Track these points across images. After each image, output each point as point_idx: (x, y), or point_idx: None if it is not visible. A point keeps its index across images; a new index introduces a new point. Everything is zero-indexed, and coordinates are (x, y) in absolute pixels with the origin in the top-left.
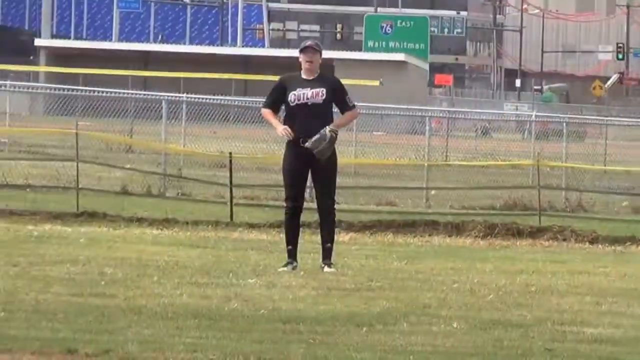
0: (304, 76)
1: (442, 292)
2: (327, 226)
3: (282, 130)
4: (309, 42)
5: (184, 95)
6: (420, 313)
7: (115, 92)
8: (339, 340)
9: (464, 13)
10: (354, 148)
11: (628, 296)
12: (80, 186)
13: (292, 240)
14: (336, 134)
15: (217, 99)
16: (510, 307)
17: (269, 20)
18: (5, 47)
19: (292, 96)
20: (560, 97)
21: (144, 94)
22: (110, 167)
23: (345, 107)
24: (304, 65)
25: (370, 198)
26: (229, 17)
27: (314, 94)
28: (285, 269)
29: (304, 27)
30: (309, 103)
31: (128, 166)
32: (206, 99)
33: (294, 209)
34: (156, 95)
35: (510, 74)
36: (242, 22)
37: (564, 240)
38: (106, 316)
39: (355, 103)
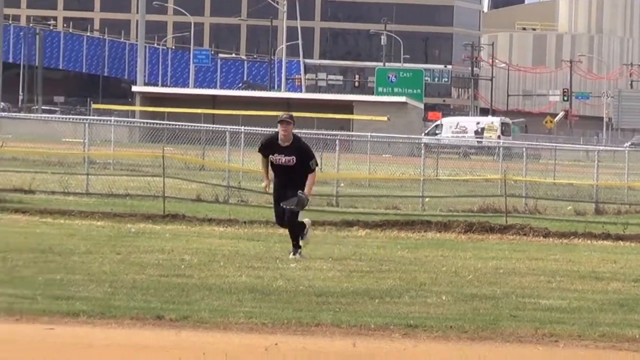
0: (280, 142)
1: (434, 273)
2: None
3: (264, 186)
4: (284, 116)
5: (242, 127)
6: (418, 289)
7: (191, 126)
8: (358, 309)
9: (449, 66)
10: (368, 166)
11: (572, 276)
12: (165, 195)
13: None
14: (307, 197)
15: (267, 131)
16: (484, 284)
17: (305, 72)
18: (111, 92)
19: (272, 158)
20: (521, 129)
21: (213, 127)
22: (188, 181)
23: (307, 169)
24: (281, 132)
25: (380, 203)
26: (276, 69)
27: (287, 160)
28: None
29: (331, 77)
30: (284, 165)
31: (201, 180)
32: (259, 130)
33: (279, 220)
34: (222, 128)
35: (484, 112)
36: (285, 74)
37: (524, 235)
38: (185, 291)
39: (317, 163)
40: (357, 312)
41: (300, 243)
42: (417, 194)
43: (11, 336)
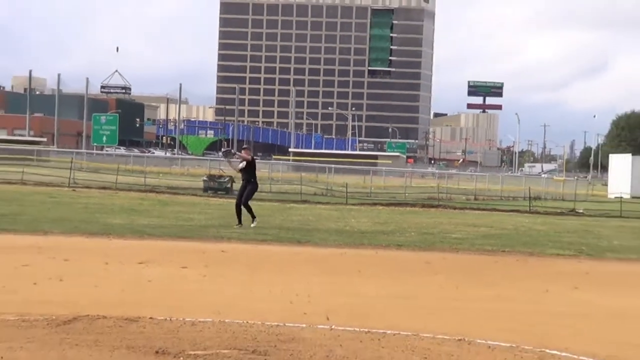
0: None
1: (409, 224)
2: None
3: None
4: (245, 145)
5: (333, 165)
6: (403, 230)
7: (313, 164)
8: (378, 237)
9: (416, 141)
10: (383, 180)
11: (463, 225)
12: (302, 192)
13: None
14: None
15: (348, 167)
16: (427, 228)
17: (358, 143)
18: (278, 151)
19: (239, 164)
20: (446, 165)
21: (321, 165)
22: (310, 187)
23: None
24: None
25: (388, 195)
26: (347, 142)
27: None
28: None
29: (369, 145)
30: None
31: (317, 187)
32: (341, 167)
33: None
34: (326, 165)
35: (430, 159)
36: (350, 144)
37: (445, 208)
38: (308, 231)
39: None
40: (377, 239)
41: (253, 223)
42: (402, 192)
43: (252, 250)
